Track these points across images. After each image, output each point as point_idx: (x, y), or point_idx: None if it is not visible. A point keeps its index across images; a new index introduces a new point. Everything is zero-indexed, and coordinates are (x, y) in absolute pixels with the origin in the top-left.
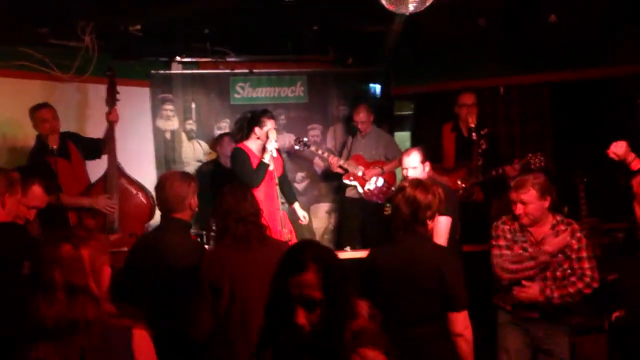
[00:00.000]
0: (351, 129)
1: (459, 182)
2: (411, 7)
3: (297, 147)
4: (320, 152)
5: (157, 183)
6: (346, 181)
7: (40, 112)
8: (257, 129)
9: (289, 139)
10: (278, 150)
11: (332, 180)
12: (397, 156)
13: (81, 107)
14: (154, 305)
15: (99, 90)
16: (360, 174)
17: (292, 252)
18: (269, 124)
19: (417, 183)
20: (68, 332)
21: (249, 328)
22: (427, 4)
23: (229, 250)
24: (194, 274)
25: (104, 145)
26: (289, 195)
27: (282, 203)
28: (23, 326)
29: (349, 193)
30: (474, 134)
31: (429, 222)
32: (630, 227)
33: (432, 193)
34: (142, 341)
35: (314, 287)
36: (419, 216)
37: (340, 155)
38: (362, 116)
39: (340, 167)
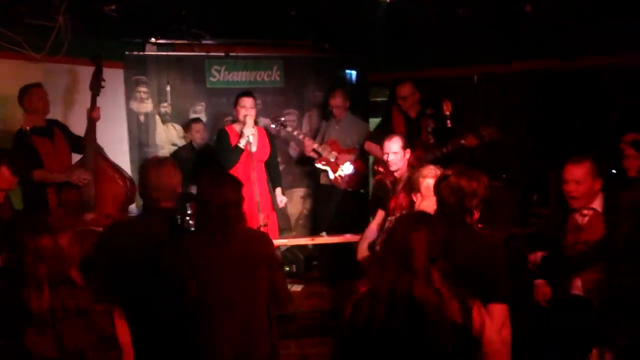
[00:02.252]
0: (326, 114)
1: (417, 161)
2: None
3: (273, 126)
4: (296, 133)
5: (147, 168)
6: (318, 165)
7: (39, 89)
8: (234, 111)
9: (264, 123)
10: (267, 134)
11: (306, 165)
12: None
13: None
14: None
15: (72, 71)
16: (333, 159)
17: None
18: (242, 102)
19: (460, 171)
20: (58, 320)
21: (215, 327)
22: None
23: (190, 245)
24: None
25: (85, 142)
26: (274, 180)
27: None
28: (14, 317)
29: (323, 180)
30: (447, 120)
31: (476, 212)
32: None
33: (477, 180)
34: (121, 322)
35: None
36: (465, 205)
37: (314, 139)
38: (338, 100)
39: (314, 150)
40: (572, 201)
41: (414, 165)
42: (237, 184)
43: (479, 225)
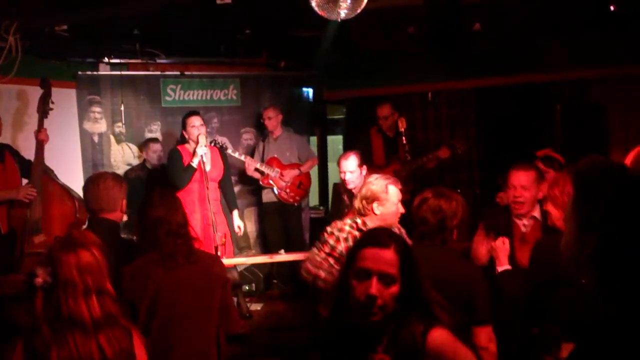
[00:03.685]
0: (263, 133)
1: (393, 175)
2: (342, 14)
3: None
4: (237, 154)
5: (88, 182)
6: (263, 184)
7: None
8: (184, 132)
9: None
10: (221, 154)
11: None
12: (310, 156)
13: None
14: None
15: (22, 92)
16: (276, 175)
17: (374, 232)
18: (191, 122)
19: (439, 192)
20: (100, 328)
21: (170, 346)
22: (358, 11)
23: (153, 266)
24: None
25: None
26: (229, 201)
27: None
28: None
29: (266, 198)
30: (402, 137)
31: (455, 232)
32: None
33: (455, 200)
34: (139, 341)
35: (392, 265)
36: (447, 225)
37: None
38: (269, 112)
39: (257, 169)
40: (517, 206)
41: (397, 177)
42: (181, 203)
43: None
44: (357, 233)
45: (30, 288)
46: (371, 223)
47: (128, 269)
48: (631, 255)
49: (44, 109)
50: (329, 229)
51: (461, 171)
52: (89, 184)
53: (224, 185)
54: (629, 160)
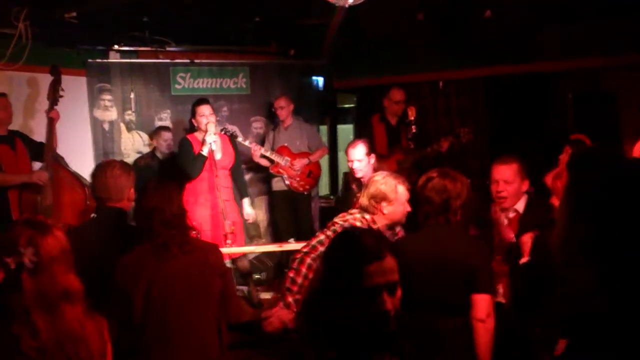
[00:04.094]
0: (273, 123)
1: (396, 165)
2: (350, 0)
3: None
4: (247, 142)
5: (95, 170)
6: (273, 172)
7: (3, 99)
8: (193, 121)
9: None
10: (231, 142)
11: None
12: (320, 146)
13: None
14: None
15: (32, 79)
16: (287, 164)
17: (363, 244)
18: (200, 111)
19: (444, 173)
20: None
21: (167, 338)
22: None
23: (146, 256)
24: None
25: (45, 146)
26: (240, 189)
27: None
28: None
29: (276, 186)
30: (412, 126)
31: (459, 212)
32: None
33: (461, 182)
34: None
35: (394, 271)
36: (451, 205)
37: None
38: (281, 102)
39: (267, 157)
40: (501, 201)
41: (401, 167)
42: (181, 193)
43: None
44: None
45: (18, 270)
46: (379, 221)
47: (123, 259)
48: (629, 251)
49: (54, 96)
50: (339, 221)
51: (469, 160)
52: (96, 172)
53: (234, 173)
54: (638, 149)
